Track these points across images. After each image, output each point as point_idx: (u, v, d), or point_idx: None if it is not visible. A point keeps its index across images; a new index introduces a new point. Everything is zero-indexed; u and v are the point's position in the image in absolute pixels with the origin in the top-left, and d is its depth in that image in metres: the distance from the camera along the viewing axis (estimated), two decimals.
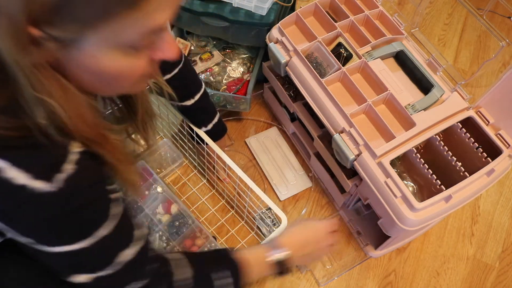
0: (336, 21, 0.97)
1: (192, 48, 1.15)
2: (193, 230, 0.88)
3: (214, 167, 1.00)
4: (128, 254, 0.55)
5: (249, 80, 1.10)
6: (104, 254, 0.54)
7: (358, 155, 0.83)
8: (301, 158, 1.13)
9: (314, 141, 1.00)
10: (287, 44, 0.94)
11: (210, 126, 0.91)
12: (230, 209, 1.05)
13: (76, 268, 0.53)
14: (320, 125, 1.00)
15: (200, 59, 1.12)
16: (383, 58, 0.93)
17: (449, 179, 0.81)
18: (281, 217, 0.83)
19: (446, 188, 0.78)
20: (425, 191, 0.88)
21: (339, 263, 1.00)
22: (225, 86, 1.11)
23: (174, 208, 0.90)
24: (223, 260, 0.69)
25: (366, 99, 0.85)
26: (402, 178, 0.91)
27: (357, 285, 0.98)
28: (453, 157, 0.84)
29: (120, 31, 0.42)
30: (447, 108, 0.85)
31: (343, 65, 0.90)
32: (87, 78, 0.48)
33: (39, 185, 0.45)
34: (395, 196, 0.77)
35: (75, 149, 0.48)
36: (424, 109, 0.86)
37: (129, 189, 0.58)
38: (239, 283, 0.68)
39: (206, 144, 0.89)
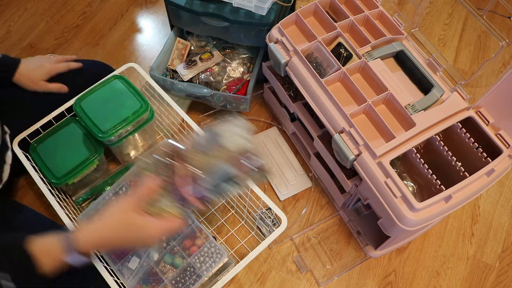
0: (336, 21, 0.97)
1: (192, 48, 1.15)
2: (193, 230, 0.88)
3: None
4: None
5: (249, 80, 1.10)
6: None
7: (358, 155, 0.83)
8: (301, 158, 1.13)
9: (314, 141, 1.00)
10: (287, 44, 0.95)
11: None
12: (230, 209, 1.05)
13: None
14: (320, 125, 1.00)
15: (200, 59, 1.12)
16: (383, 58, 0.93)
17: (449, 179, 0.81)
18: (281, 217, 0.84)
19: (446, 188, 0.78)
20: (425, 191, 0.88)
21: (339, 263, 1.00)
22: (225, 86, 1.11)
23: None
24: (9, 257, 0.62)
25: (366, 99, 0.85)
26: (402, 178, 0.91)
27: (357, 285, 0.98)
28: (453, 157, 0.84)
29: None
30: (447, 108, 0.85)
31: (343, 65, 0.90)
32: None
33: None
34: (395, 196, 0.77)
35: None
36: (424, 109, 0.86)
37: None
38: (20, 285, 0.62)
39: None
